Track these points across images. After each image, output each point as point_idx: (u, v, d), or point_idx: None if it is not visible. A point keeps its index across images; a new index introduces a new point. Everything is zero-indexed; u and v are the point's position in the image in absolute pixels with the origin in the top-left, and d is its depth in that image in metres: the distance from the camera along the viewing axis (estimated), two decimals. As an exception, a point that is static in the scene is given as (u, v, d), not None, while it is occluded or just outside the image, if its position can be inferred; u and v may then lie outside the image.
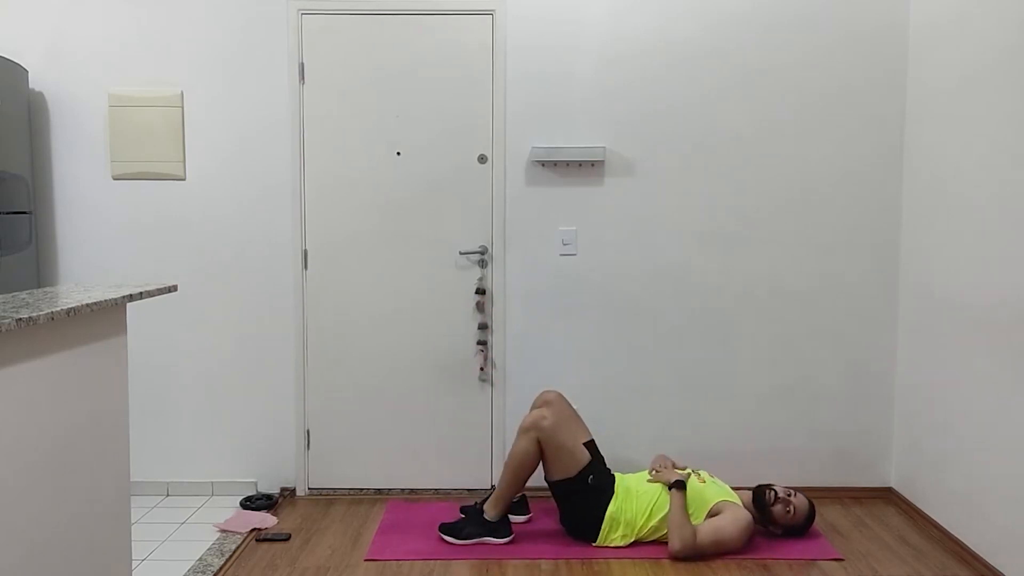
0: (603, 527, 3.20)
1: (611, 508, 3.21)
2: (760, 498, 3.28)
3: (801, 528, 3.29)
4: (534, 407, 3.43)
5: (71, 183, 3.76)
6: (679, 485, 3.18)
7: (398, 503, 3.73)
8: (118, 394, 2.35)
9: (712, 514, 3.18)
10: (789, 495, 3.28)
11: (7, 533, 1.85)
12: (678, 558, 3.10)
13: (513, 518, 3.36)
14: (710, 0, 3.67)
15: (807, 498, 3.34)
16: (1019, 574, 2.85)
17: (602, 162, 3.72)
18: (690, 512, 3.17)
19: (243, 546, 3.26)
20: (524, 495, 3.46)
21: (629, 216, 3.75)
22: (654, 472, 3.33)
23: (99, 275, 3.79)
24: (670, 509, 3.16)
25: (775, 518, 3.25)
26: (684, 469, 3.44)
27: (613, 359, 3.80)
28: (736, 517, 3.14)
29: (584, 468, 3.22)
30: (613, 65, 3.70)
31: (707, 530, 3.11)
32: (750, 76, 3.70)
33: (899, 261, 3.75)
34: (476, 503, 3.34)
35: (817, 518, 3.52)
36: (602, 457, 3.41)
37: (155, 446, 3.84)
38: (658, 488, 3.24)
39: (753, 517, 3.25)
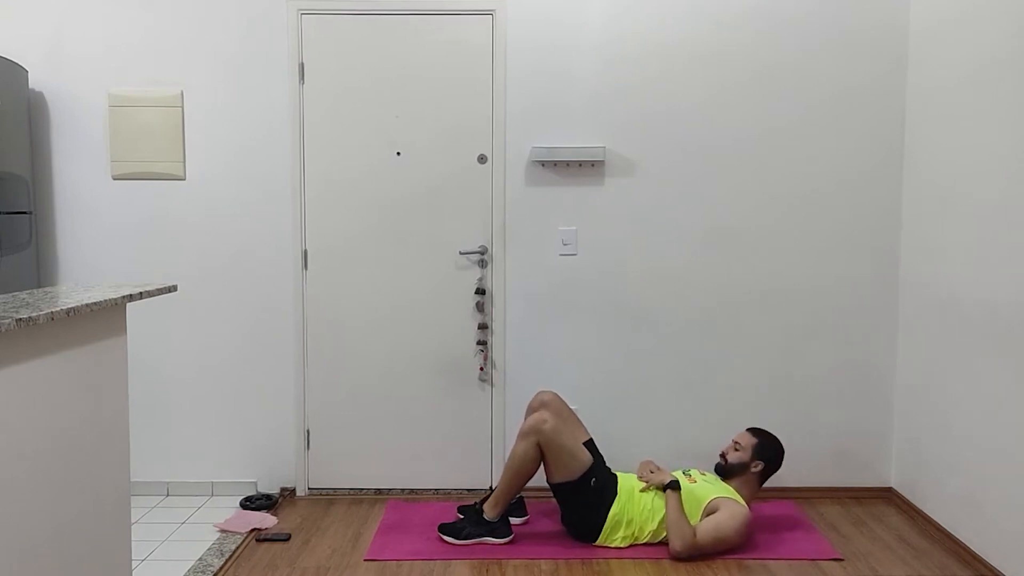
0: (605, 527, 3.20)
1: (614, 509, 3.21)
2: (721, 468, 3.37)
3: (767, 447, 3.35)
4: (530, 409, 3.42)
5: (71, 183, 3.76)
6: (674, 486, 3.18)
7: (398, 503, 3.73)
8: (118, 394, 2.35)
9: (709, 511, 3.18)
10: (729, 444, 3.42)
11: (7, 533, 1.85)
12: (680, 558, 3.10)
13: (511, 520, 3.36)
14: (710, 0, 3.67)
15: (748, 431, 3.43)
16: (1019, 575, 2.85)
17: (602, 162, 3.72)
18: (686, 513, 3.17)
19: (243, 546, 3.26)
20: (521, 497, 3.46)
21: (629, 216, 3.75)
22: (644, 477, 3.29)
23: (99, 275, 3.79)
24: (667, 510, 3.16)
25: (740, 463, 3.32)
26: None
27: (613, 359, 3.80)
28: (733, 513, 3.14)
29: (587, 471, 3.22)
30: (613, 65, 3.70)
31: (706, 528, 3.11)
32: (750, 76, 3.70)
33: (899, 261, 3.75)
34: (475, 503, 3.34)
35: (817, 518, 3.52)
36: (602, 456, 3.41)
37: (155, 446, 3.84)
38: (655, 490, 3.24)
39: (745, 490, 3.29)
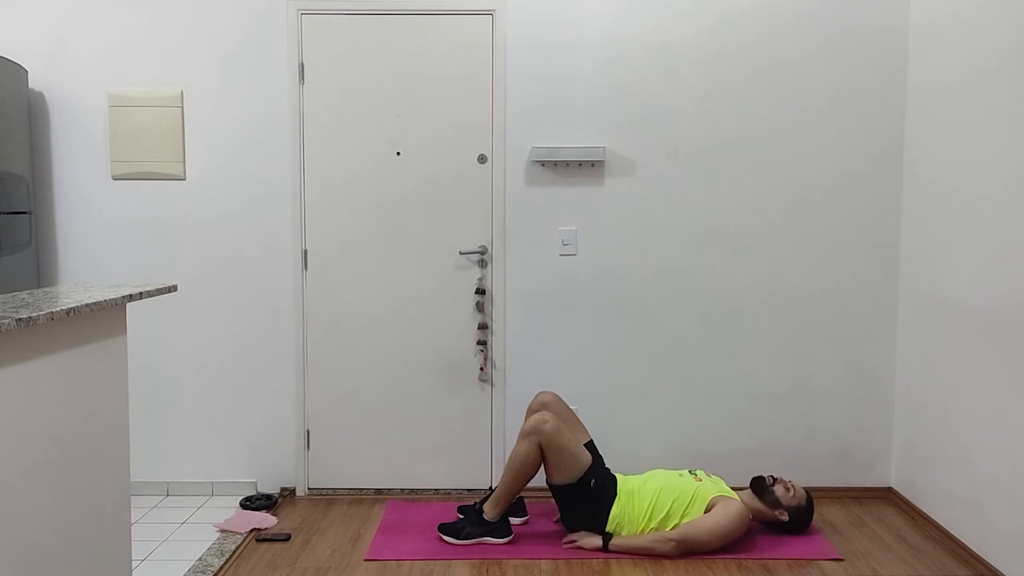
0: (606, 530, 3.20)
1: (614, 510, 3.21)
2: (759, 482, 3.33)
3: (805, 513, 3.32)
4: (530, 410, 3.42)
5: (71, 183, 3.76)
6: (606, 539, 3.17)
7: (398, 503, 3.73)
8: (118, 394, 2.35)
9: (709, 508, 3.19)
10: (786, 479, 3.39)
11: (7, 533, 1.85)
12: (673, 557, 3.12)
13: (510, 520, 3.36)
14: (710, 1, 3.67)
15: (807, 491, 3.40)
16: (1019, 575, 2.85)
17: (602, 162, 3.72)
18: (687, 509, 3.18)
19: (243, 546, 3.26)
20: (521, 497, 3.46)
21: (629, 216, 3.75)
22: (569, 545, 3.23)
23: (99, 275, 3.79)
24: (629, 551, 3.14)
25: (777, 499, 3.28)
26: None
27: (613, 359, 3.80)
28: (728, 509, 3.16)
29: (586, 472, 3.22)
30: (613, 65, 3.70)
31: (694, 524, 3.14)
32: (750, 76, 3.70)
33: (899, 261, 3.75)
34: (475, 503, 3.34)
35: (817, 518, 3.52)
36: (602, 458, 3.41)
37: (155, 446, 3.84)
38: (656, 489, 3.24)
39: (755, 512, 3.28)
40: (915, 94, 3.62)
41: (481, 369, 3.80)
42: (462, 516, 3.39)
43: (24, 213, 3.59)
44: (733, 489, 3.36)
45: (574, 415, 3.45)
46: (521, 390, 3.78)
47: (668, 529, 3.17)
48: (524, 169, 3.74)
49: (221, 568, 3.05)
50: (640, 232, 3.76)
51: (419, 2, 3.67)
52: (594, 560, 3.12)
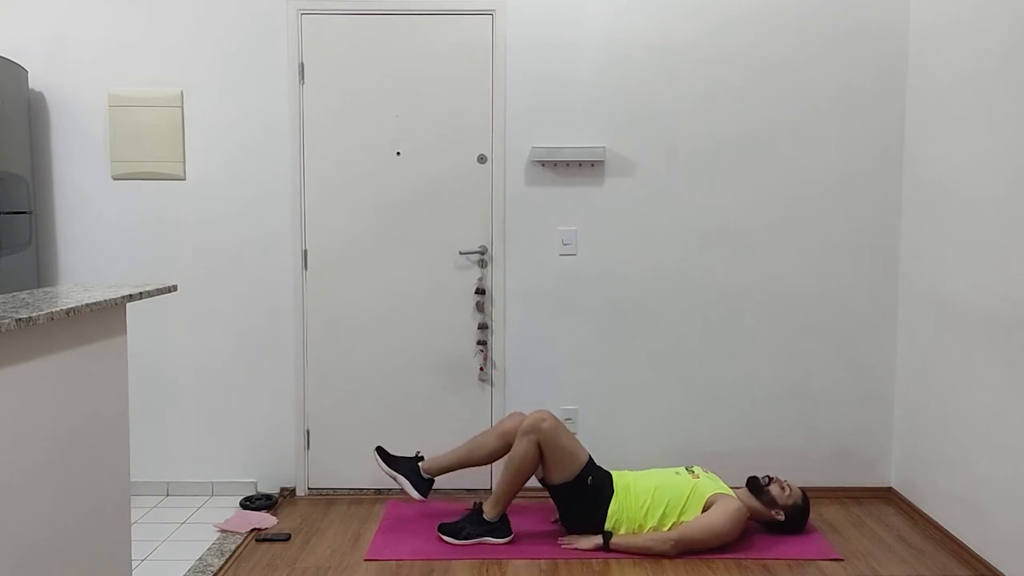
0: (606, 526, 3.20)
1: (612, 507, 3.21)
2: (755, 482, 3.34)
3: (801, 513, 3.32)
4: (507, 419, 3.40)
5: (71, 183, 3.76)
6: (606, 538, 3.17)
7: (398, 503, 3.73)
8: (118, 394, 2.35)
9: (707, 505, 3.20)
10: (781, 479, 3.39)
11: (7, 533, 1.85)
12: (672, 557, 3.12)
13: (418, 494, 3.36)
14: (710, 0, 3.67)
15: (802, 490, 3.40)
16: (1019, 575, 2.85)
17: (602, 162, 3.72)
18: (686, 507, 3.19)
19: (243, 546, 3.26)
20: (432, 479, 3.42)
21: (629, 216, 3.75)
22: (567, 546, 3.22)
23: (99, 275, 3.79)
24: (631, 550, 3.14)
25: (773, 499, 3.28)
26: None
27: (613, 359, 3.80)
28: (726, 508, 3.16)
29: (583, 469, 3.22)
30: (613, 65, 3.70)
31: (692, 524, 3.14)
32: (750, 76, 3.70)
33: (899, 262, 3.75)
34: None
35: (817, 518, 3.52)
36: (592, 457, 3.40)
37: (155, 446, 3.84)
38: (652, 487, 3.24)
39: (752, 511, 3.29)
40: (915, 94, 3.62)
41: (481, 369, 3.80)
42: (462, 516, 3.39)
43: (24, 213, 3.59)
44: (733, 488, 3.37)
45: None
46: (521, 390, 3.78)
47: (666, 527, 3.18)
48: (524, 169, 3.74)
49: (221, 568, 3.05)
50: (640, 232, 3.76)
51: (419, 2, 3.67)
52: (594, 560, 3.12)
